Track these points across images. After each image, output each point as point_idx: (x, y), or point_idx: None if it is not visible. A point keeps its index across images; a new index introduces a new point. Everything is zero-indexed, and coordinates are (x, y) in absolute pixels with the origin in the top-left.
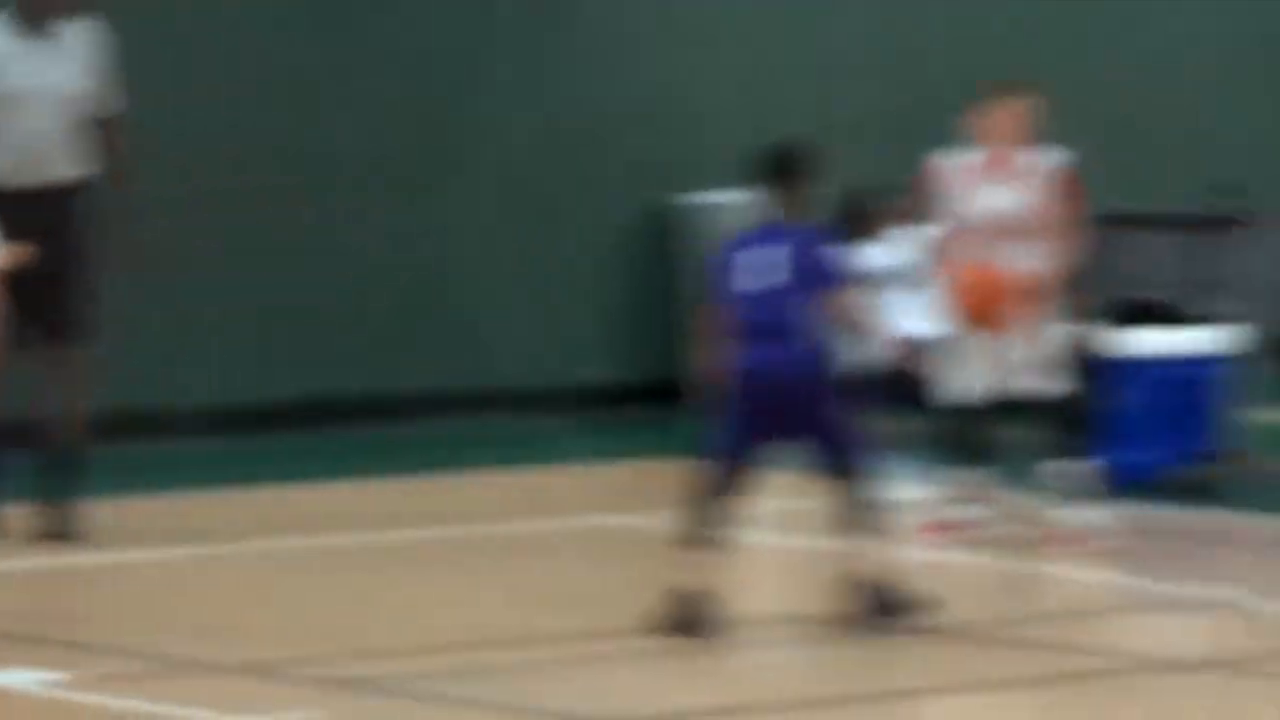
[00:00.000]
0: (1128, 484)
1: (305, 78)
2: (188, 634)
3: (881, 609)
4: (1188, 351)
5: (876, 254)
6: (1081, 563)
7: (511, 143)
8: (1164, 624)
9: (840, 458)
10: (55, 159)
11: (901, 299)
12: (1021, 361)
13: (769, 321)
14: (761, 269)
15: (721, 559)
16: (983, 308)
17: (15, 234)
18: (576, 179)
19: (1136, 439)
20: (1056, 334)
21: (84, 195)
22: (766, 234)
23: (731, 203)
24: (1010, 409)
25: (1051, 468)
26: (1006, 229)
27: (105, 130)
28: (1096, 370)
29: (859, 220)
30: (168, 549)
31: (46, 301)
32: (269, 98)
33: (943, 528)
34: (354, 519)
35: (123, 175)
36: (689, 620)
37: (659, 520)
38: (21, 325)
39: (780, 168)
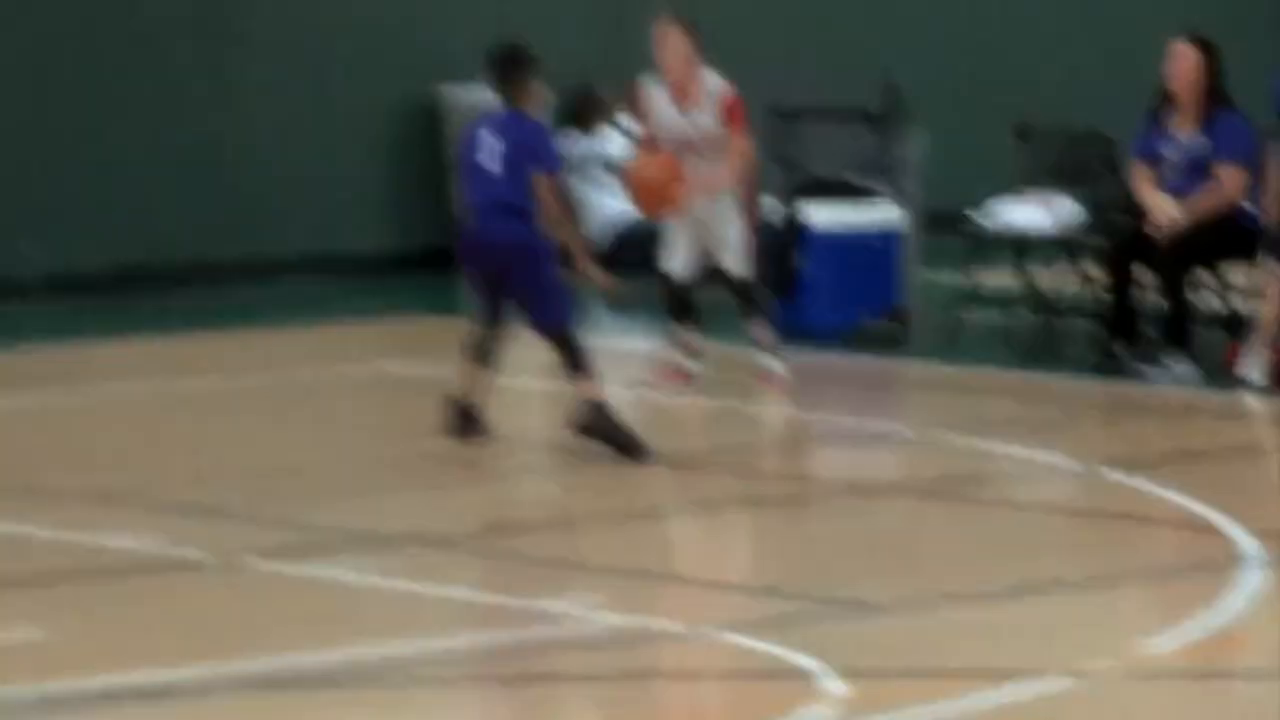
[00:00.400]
0: (821, 336)
1: None
2: (41, 465)
3: (601, 433)
4: (867, 224)
5: (591, 143)
6: (783, 403)
7: (298, 34)
8: (853, 454)
9: (552, 315)
10: None
11: (612, 184)
12: (714, 243)
13: (488, 198)
14: (486, 152)
15: (486, 384)
16: (655, 198)
17: None
18: (358, 71)
19: (827, 298)
20: (739, 223)
21: None
22: (493, 122)
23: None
24: (715, 278)
25: (751, 326)
26: (690, 148)
27: None
28: (793, 239)
29: (578, 112)
30: (19, 396)
31: None
32: None
33: (667, 374)
34: (175, 370)
35: None
36: (463, 425)
37: (435, 366)
38: None
39: (504, 64)
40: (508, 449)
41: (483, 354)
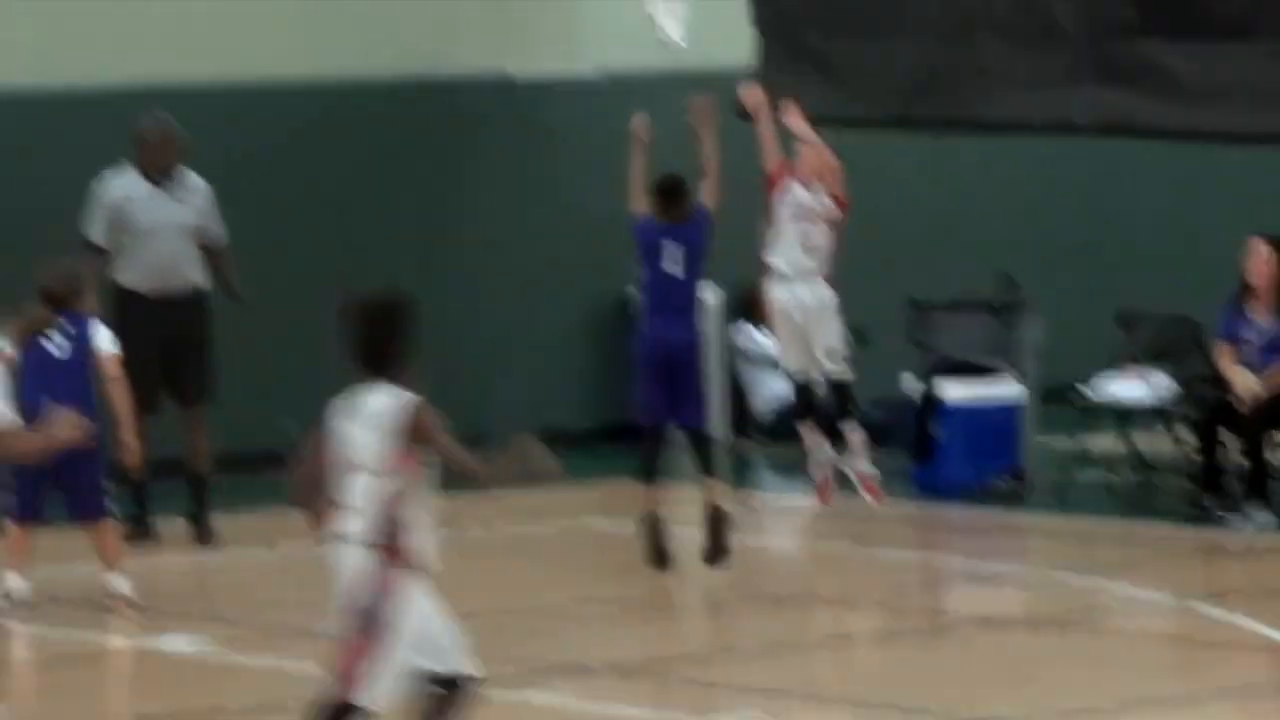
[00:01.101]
0: (953, 493)
1: (356, 193)
2: (290, 607)
3: (717, 535)
4: (991, 397)
5: (759, 336)
6: (917, 547)
7: (514, 236)
8: (981, 591)
9: (701, 416)
10: (179, 273)
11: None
12: (814, 345)
13: (670, 301)
14: (669, 259)
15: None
16: None
17: (153, 328)
18: (565, 272)
19: (958, 460)
20: (838, 326)
21: (200, 299)
22: (669, 231)
23: None
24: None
25: (845, 428)
26: (810, 217)
27: (216, 253)
28: (929, 411)
29: (749, 306)
30: (270, 549)
31: (177, 375)
32: (333, 212)
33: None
34: None
35: (232, 285)
36: (660, 549)
37: (626, 523)
38: (158, 393)
39: (670, 190)
40: (680, 588)
41: (654, 470)
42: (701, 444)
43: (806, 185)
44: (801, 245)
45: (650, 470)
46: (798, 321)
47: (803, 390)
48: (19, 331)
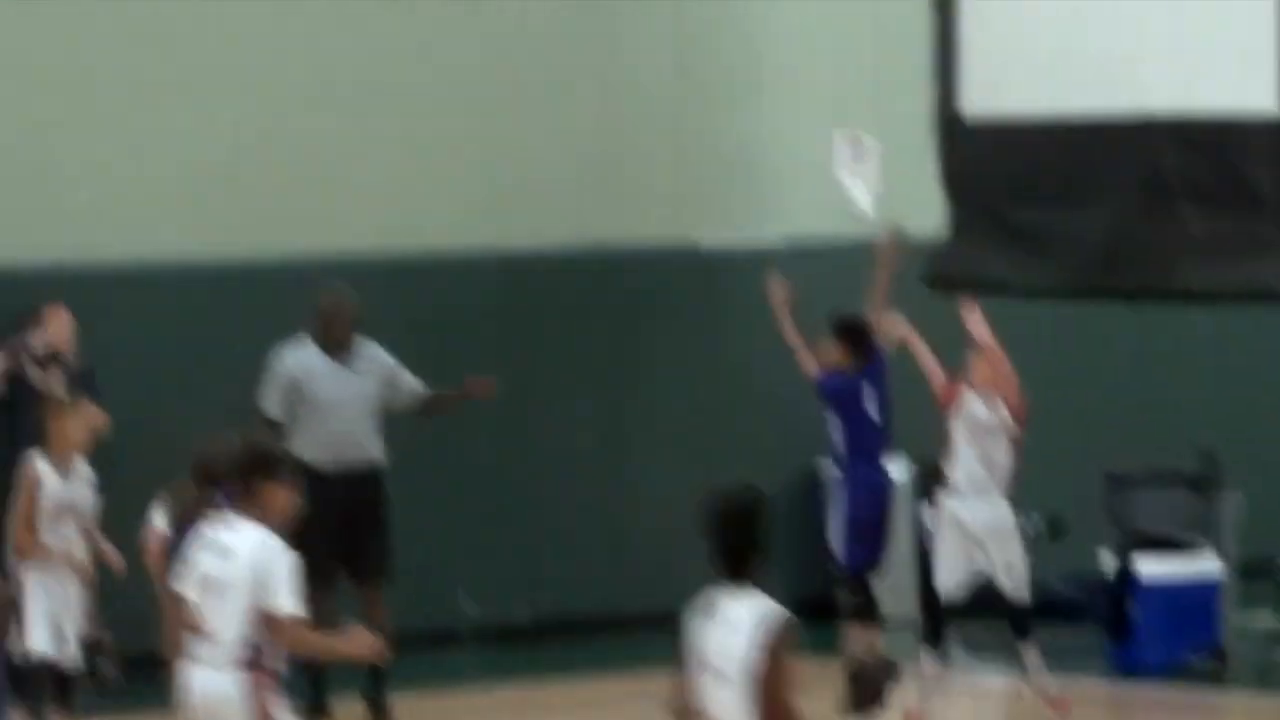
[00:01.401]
0: (1150, 673)
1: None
2: None
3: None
4: (1189, 574)
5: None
6: None
7: (702, 416)
8: None
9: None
10: (358, 447)
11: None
12: (994, 563)
13: (873, 444)
14: (869, 400)
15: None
16: None
17: (330, 504)
18: (750, 445)
19: (1155, 639)
20: (1020, 545)
21: (377, 474)
22: (867, 374)
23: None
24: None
25: (1024, 650)
26: (985, 431)
27: (428, 400)
28: (1125, 588)
29: (928, 483)
30: None
31: (355, 552)
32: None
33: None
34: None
35: (460, 396)
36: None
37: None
38: (334, 569)
39: (854, 330)
40: None
41: (870, 611)
42: (859, 590)
43: (982, 396)
44: (979, 460)
45: (873, 614)
46: (970, 538)
47: (947, 613)
48: (178, 510)
